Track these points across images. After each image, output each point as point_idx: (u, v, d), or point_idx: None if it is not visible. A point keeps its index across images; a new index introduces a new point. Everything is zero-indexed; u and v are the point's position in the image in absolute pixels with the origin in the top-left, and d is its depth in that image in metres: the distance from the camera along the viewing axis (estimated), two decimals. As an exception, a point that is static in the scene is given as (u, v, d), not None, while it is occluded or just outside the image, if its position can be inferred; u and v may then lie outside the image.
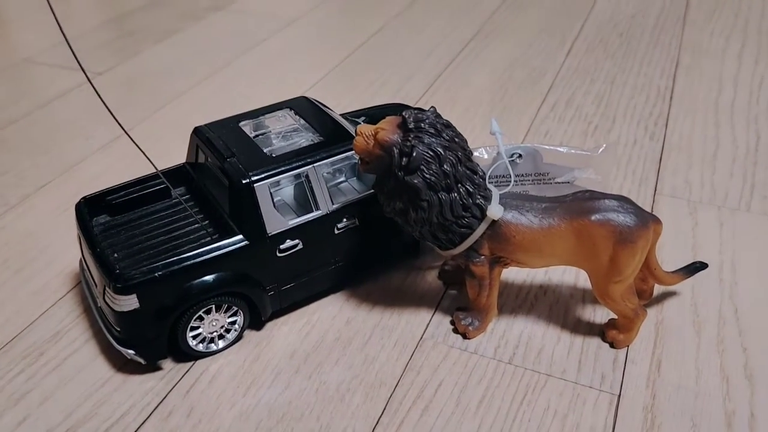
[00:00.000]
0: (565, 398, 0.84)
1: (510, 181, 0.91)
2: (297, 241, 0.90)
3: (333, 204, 0.91)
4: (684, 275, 0.94)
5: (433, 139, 0.81)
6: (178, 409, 0.84)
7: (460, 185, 0.82)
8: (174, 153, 1.16)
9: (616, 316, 0.91)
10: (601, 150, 0.95)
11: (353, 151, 0.90)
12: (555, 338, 0.92)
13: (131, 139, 0.82)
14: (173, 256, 0.84)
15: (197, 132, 0.95)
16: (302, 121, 0.97)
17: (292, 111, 0.99)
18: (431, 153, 0.81)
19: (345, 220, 0.93)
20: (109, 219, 0.95)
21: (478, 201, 0.84)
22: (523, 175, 0.96)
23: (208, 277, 0.85)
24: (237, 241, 0.86)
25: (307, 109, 1.00)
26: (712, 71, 1.59)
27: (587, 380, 0.86)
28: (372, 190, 0.93)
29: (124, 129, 0.83)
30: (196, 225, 0.92)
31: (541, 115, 1.42)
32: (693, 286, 0.99)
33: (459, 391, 0.85)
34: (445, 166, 0.81)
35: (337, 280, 0.97)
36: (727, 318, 0.95)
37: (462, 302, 0.97)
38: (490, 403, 0.84)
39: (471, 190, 0.83)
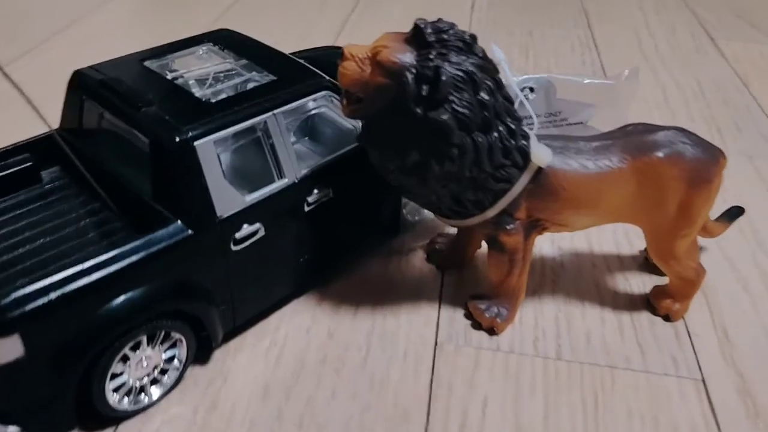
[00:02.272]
0: (643, 394, 0.64)
1: (532, 124, 0.70)
2: (258, 225, 0.61)
3: (301, 169, 0.64)
4: (727, 222, 0.78)
5: (463, 57, 0.57)
6: (107, 508, 0.52)
7: (499, 121, 0.59)
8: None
9: (662, 283, 0.73)
10: (624, 77, 0.76)
11: (318, 92, 0.63)
12: (598, 319, 0.72)
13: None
14: (72, 264, 0.52)
15: (82, 77, 0.63)
16: (235, 58, 0.68)
17: (218, 47, 0.70)
18: (463, 76, 0.56)
19: (316, 191, 0.65)
20: (-57, 222, 0.60)
21: (521, 143, 0.61)
22: (530, 117, 0.75)
23: (133, 293, 0.54)
24: (174, 231, 0.56)
25: (237, 43, 0.71)
26: (622, 21, 1.49)
27: (659, 367, 0.67)
28: (347, 149, 0.67)
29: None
30: (99, 215, 0.60)
31: (471, 68, 1.22)
32: (716, 240, 0.84)
33: (513, 406, 0.62)
34: (482, 95, 0.57)
35: (304, 280, 0.70)
36: (766, 268, 0.80)
37: (472, 287, 0.74)
38: (558, 416, 0.61)
39: (513, 127, 0.60)
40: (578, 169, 0.63)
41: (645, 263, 0.78)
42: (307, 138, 0.73)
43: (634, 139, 0.64)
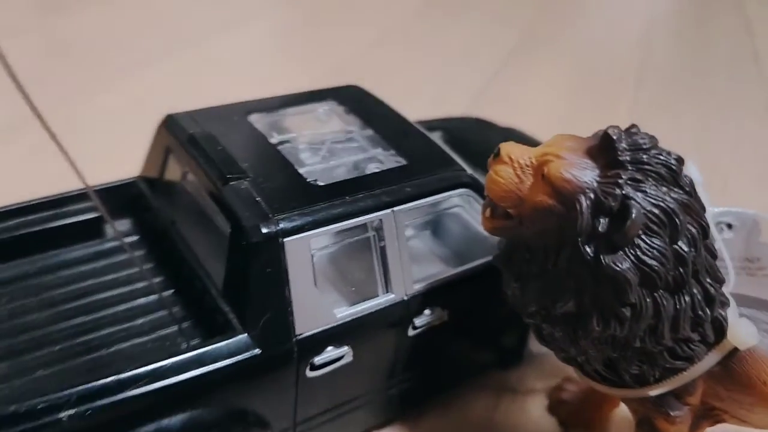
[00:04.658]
0: None
1: (727, 272, 0.52)
2: (345, 349, 0.47)
3: (414, 283, 0.49)
4: None
5: (664, 189, 0.41)
6: None
7: (695, 281, 0.42)
8: (106, 161, 0.70)
9: None
10: None
11: (454, 189, 0.49)
12: None
13: (46, 127, 0.38)
14: (104, 372, 0.40)
15: (172, 124, 0.52)
16: (361, 126, 0.55)
17: (343, 107, 0.57)
18: (660, 215, 0.40)
19: (428, 312, 0.51)
20: (-17, 270, 0.50)
21: (718, 313, 0.44)
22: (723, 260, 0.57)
23: (173, 421, 0.41)
24: (238, 348, 0.43)
25: (366, 106, 0.58)
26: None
27: None
28: (478, 263, 0.52)
29: (35, 110, 0.38)
30: (158, 296, 0.48)
31: (628, 158, 1.05)
32: None
33: None
34: (680, 244, 0.41)
35: (393, 412, 0.55)
36: None
37: (600, 464, 0.57)
38: None
39: (712, 292, 0.43)
40: (790, 360, 0.45)
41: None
42: (429, 232, 0.59)
43: None
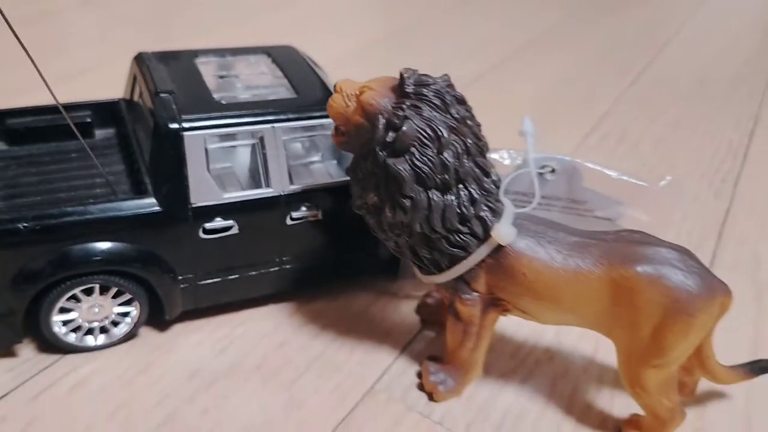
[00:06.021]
0: None
1: (533, 201, 0.67)
2: (231, 222, 0.66)
3: (291, 184, 0.67)
4: (746, 374, 0.68)
5: (436, 114, 0.57)
6: (14, 417, 0.60)
7: (461, 186, 0.58)
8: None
9: (642, 412, 0.66)
10: (663, 183, 0.70)
11: (325, 118, 0.67)
12: (554, 425, 0.67)
13: (24, 48, 0.59)
14: (56, 207, 0.61)
15: (139, 59, 0.73)
16: (277, 72, 0.74)
17: (270, 59, 0.76)
18: (429, 132, 0.57)
19: (304, 209, 0.69)
20: (5, 149, 0.73)
21: (483, 213, 0.59)
22: (550, 198, 0.72)
23: (98, 245, 0.62)
24: (146, 205, 0.63)
25: (289, 60, 0.76)
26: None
27: (587, 496, 0.61)
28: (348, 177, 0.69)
29: (16, 34, 0.59)
30: (116, 176, 0.69)
31: (588, 145, 1.18)
32: (748, 390, 0.73)
33: (405, 473, 0.60)
34: (445, 155, 0.57)
35: (280, 286, 0.73)
36: (793, 444, 0.69)
37: (438, 350, 0.72)
38: (445, 501, 0.59)
39: (476, 196, 0.59)
40: (543, 259, 0.60)
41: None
42: (335, 162, 0.77)
43: (621, 246, 0.60)
